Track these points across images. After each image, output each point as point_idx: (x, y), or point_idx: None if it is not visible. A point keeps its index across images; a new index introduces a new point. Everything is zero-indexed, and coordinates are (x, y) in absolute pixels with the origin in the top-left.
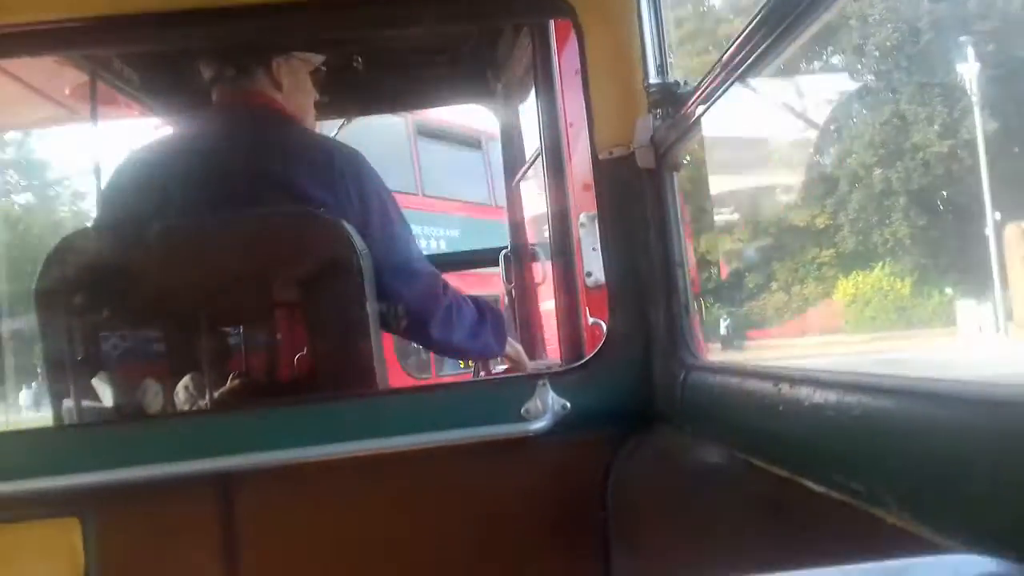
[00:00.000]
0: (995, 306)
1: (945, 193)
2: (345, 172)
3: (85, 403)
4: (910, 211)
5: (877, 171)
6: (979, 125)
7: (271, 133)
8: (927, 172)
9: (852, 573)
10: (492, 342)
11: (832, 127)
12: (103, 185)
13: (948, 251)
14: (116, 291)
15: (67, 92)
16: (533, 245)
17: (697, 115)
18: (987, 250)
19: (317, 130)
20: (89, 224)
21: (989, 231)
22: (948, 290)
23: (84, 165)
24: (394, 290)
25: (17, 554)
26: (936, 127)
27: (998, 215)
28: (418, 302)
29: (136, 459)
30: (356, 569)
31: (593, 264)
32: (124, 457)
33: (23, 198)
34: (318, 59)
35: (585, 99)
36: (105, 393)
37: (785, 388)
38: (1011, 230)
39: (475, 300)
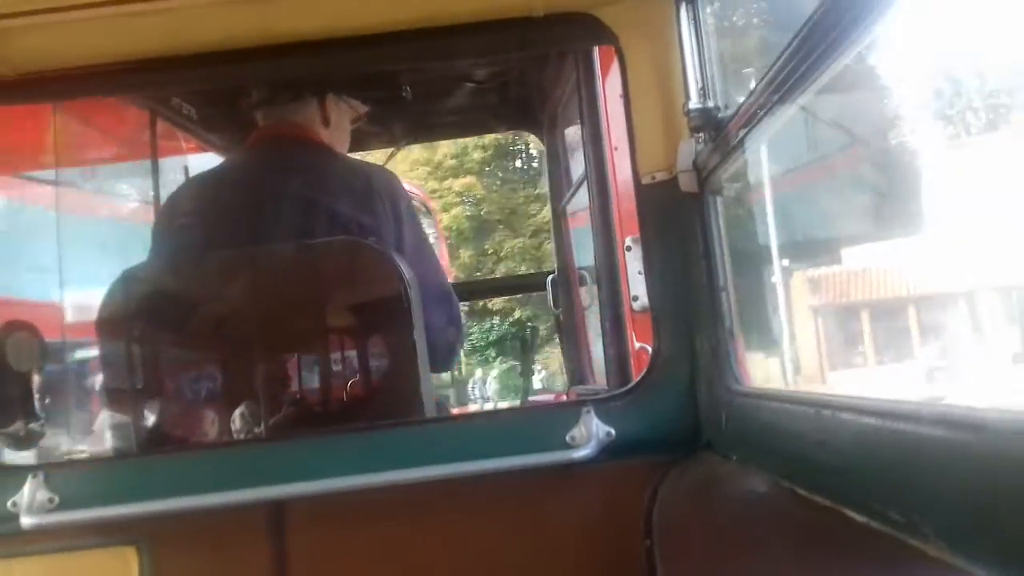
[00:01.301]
0: (783, 359)
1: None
2: (382, 192)
3: (143, 432)
4: None
5: None
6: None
7: (313, 162)
8: None
9: None
10: (456, 352)
11: None
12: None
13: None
14: (172, 321)
15: (130, 131)
16: (580, 270)
17: (739, 138)
18: (775, 299)
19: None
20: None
21: (776, 278)
22: None
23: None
24: (430, 310)
25: None
26: None
27: (786, 262)
28: (450, 322)
29: (192, 488)
30: None
31: (639, 288)
32: (180, 486)
33: None
34: (362, 109)
35: (628, 124)
36: (162, 422)
37: (827, 415)
38: (798, 278)
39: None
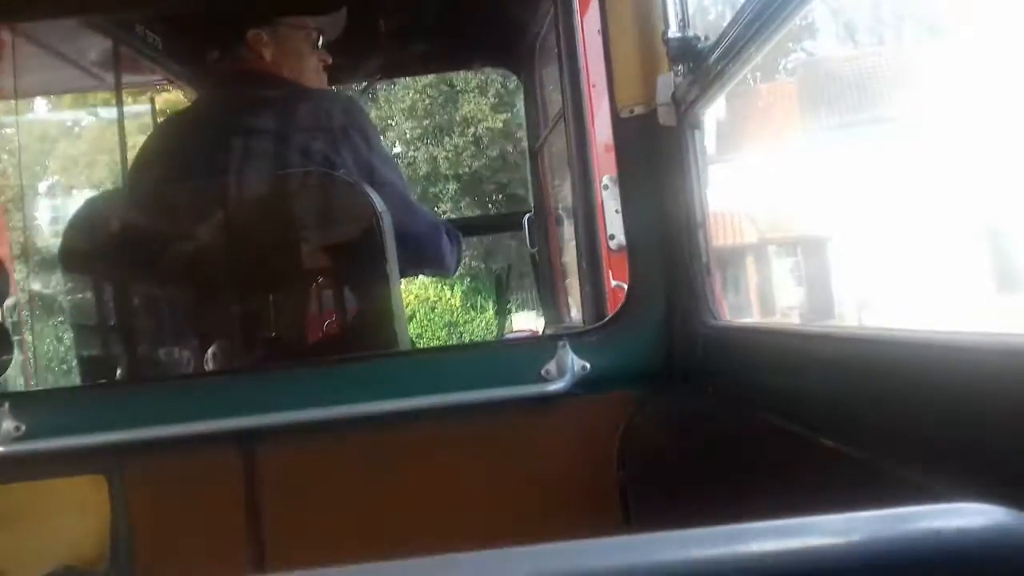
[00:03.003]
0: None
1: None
2: (342, 117)
3: (111, 365)
4: (459, 202)
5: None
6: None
7: (267, 96)
8: (480, 153)
9: (858, 521)
10: (457, 257)
11: None
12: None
13: (506, 252)
14: (138, 252)
15: (91, 57)
16: (557, 209)
17: (719, 69)
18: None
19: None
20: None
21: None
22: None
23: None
24: (402, 225)
25: (46, 511)
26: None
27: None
28: (420, 227)
29: (162, 418)
30: (376, 526)
31: (616, 227)
32: (150, 416)
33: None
34: (312, 23)
35: (606, 57)
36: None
37: (801, 345)
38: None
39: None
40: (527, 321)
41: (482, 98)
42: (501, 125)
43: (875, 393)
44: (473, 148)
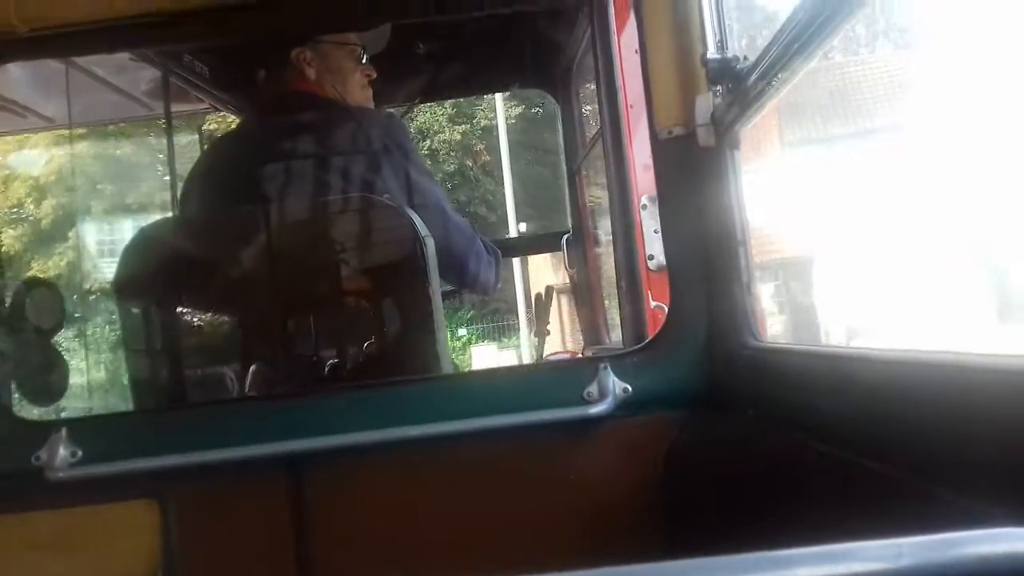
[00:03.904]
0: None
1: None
2: (384, 139)
3: (163, 389)
4: None
5: None
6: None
7: (313, 118)
8: (435, 169)
9: (904, 546)
10: (496, 275)
11: None
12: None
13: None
14: (187, 280)
15: (142, 88)
16: (595, 229)
17: (759, 90)
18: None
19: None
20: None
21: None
22: (461, 332)
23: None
24: (444, 245)
25: (99, 535)
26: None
27: (523, 226)
28: (461, 247)
29: (212, 443)
30: (420, 549)
31: (655, 247)
32: (201, 441)
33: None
34: (355, 39)
35: (644, 78)
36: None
37: (843, 367)
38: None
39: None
40: (488, 355)
41: (438, 108)
42: (459, 137)
43: (919, 415)
44: (428, 163)
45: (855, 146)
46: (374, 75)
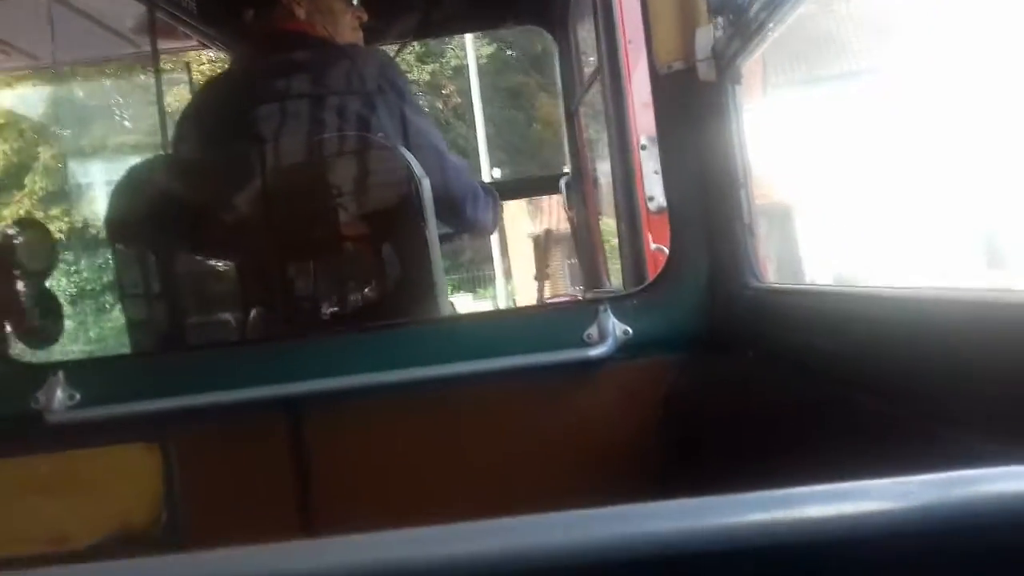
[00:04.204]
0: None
1: None
2: (377, 76)
3: (160, 332)
4: None
5: None
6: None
7: (304, 57)
8: None
9: (913, 484)
10: (494, 217)
11: None
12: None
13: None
14: (180, 219)
15: (128, 24)
16: (594, 171)
17: (760, 21)
18: None
19: None
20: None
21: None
22: None
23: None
24: (440, 186)
25: (99, 478)
26: None
27: (496, 172)
28: (458, 188)
29: (211, 385)
30: (420, 490)
31: (655, 189)
32: (200, 384)
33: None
34: None
35: (643, 11)
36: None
37: (846, 306)
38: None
39: (479, 180)
40: (463, 306)
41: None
42: (428, 77)
43: (924, 354)
44: None
45: (842, 87)
46: (365, 18)
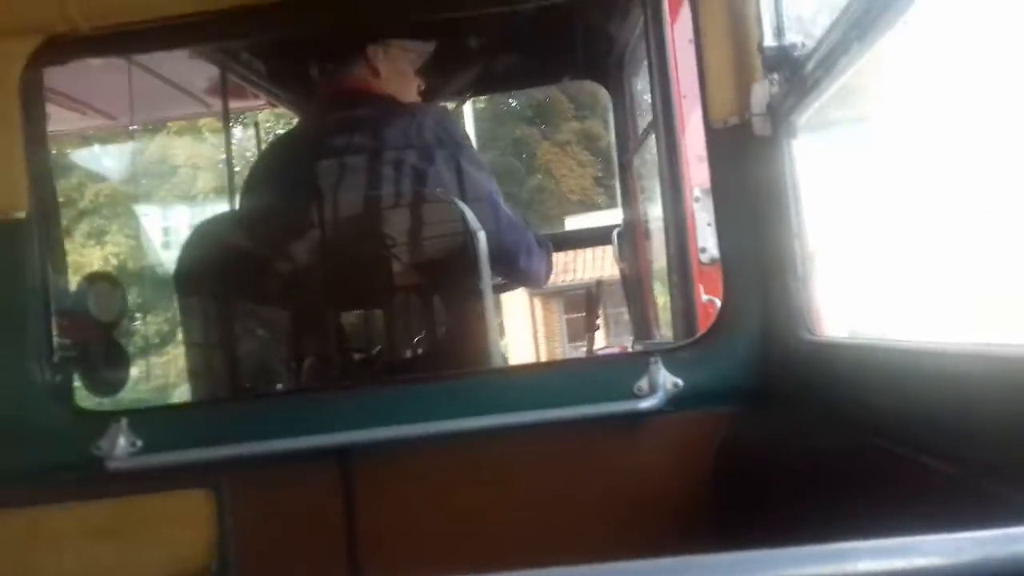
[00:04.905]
0: None
1: None
2: (437, 134)
3: (221, 381)
4: None
5: None
6: None
7: (369, 116)
8: None
9: (965, 540)
10: (547, 269)
11: None
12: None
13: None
14: (246, 274)
15: (202, 87)
16: (647, 222)
17: (817, 77)
18: None
19: None
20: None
21: None
22: None
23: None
24: (496, 239)
25: (156, 523)
26: None
27: None
28: (513, 241)
29: (267, 434)
30: (471, 541)
31: (707, 240)
32: (256, 432)
33: None
34: (421, 49)
35: (699, 66)
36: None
37: (903, 361)
38: None
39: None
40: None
41: None
42: None
43: (979, 409)
44: None
45: (855, 131)
46: (423, 87)
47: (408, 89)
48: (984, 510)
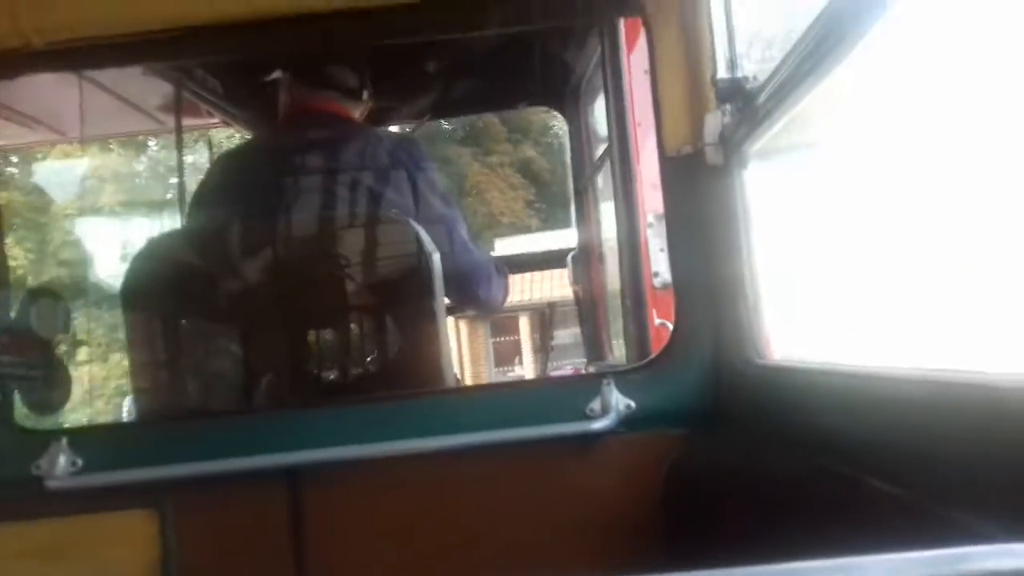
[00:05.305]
0: None
1: None
2: (403, 160)
3: (167, 400)
4: None
5: None
6: None
7: (339, 136)
8: None
9: (910, 561)
10: (504, 295)
11: None
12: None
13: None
14: (196, 292)
15: (155, 104)
16: (601, 247)
17: (768, 109)
18: None
19: None
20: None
21: None
22: None
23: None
24: (453, 263)
25: (98, 544)
26: None
27: None
28: (471, 266)
29: (213, 454)
30: (420, 562)
31: (660, 265)
32: (202, 452)
33: None
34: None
35: (654, 96)
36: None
37: (851, 386)
38: None
39: (492, 258)
40: None
41: None
42: None
43: (925, 433)
44: None
45: (803, 158)
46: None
47: (360, 114)
48: (928, 531)
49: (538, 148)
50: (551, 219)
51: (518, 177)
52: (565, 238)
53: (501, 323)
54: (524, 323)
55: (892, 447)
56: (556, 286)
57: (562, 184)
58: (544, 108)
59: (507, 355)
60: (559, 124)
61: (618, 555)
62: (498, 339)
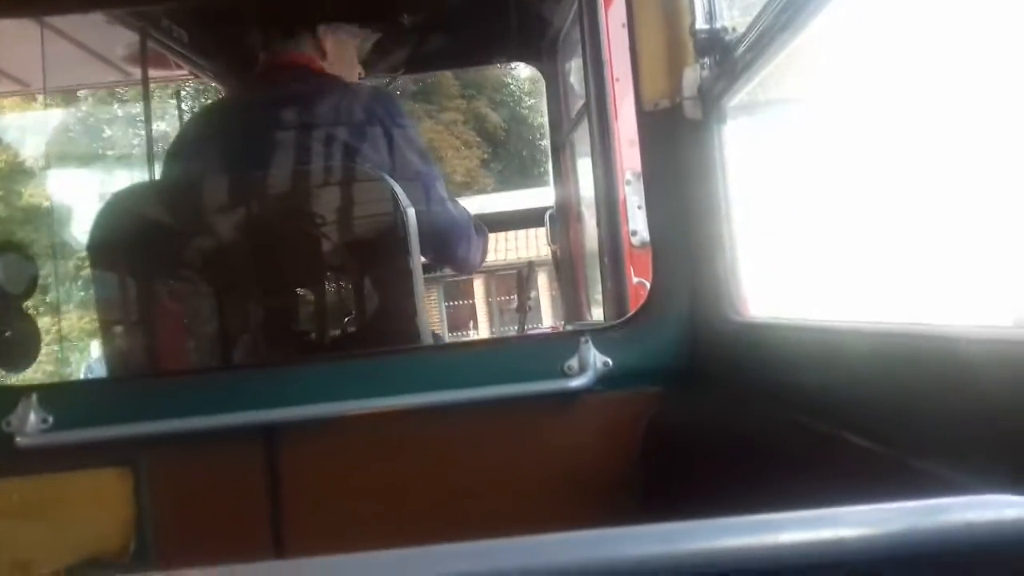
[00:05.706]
0: None
1: None
2: (377, 114)
3: (138, 357)
4: None
5: None
6: None
7: (311, 90)
8: None
9: (890, 512)
10: (483, 255)
11: None
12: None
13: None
14: (165, 245)
15: (120, 53)
16: (579, 205)
17: (747, 61)
18: None
19: None
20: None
21: None
22: None
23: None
24: (431, 220)
25: (71, 502)
26: None
27: None
28: (449, 223)
29: (187, 411)
30: (397, 518)
31: (638, 223)
32: (176, 409)
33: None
34: (364, 35)
35: (632, 50)
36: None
37: (826, 340)
38: None
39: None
40: None
41: None
42: None
43: (902, 388)
44: None
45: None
46: (363, 75)
47: (350, 71)
48: (905, 484)
49: (495, 105)
50: (512, 179)
51: (472, 135)
52: (529, 198)
53: (455, 286)
54: (479, 287)
55: (868, 402)
56: (520, 247)
57: (519, 142)
58: (521, 63)
59: (462, 320)
60: (514, 81)
61: (597, 510)
62: (452, 303)
